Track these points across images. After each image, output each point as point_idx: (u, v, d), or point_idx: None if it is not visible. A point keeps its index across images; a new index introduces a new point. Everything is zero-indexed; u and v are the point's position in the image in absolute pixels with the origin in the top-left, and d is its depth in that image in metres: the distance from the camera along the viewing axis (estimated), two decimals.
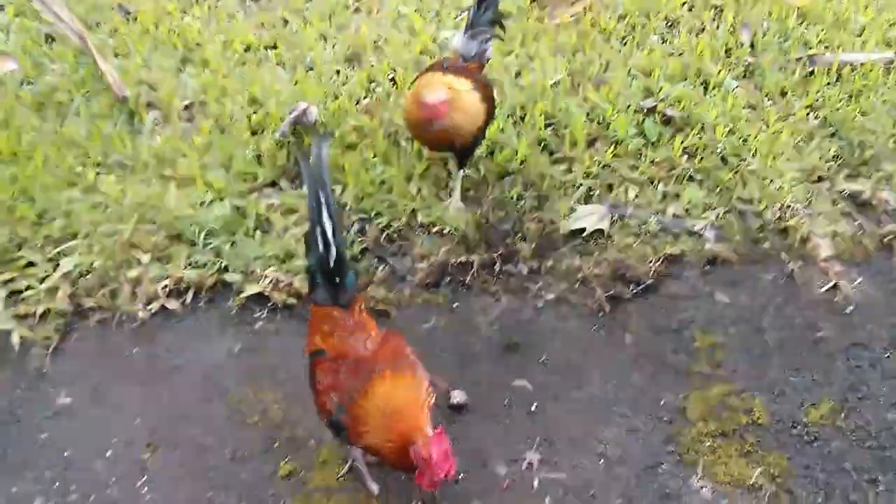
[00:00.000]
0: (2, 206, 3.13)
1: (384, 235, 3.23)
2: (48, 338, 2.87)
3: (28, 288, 2.95)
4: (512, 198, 3.34)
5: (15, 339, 2.84)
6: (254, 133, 3.53)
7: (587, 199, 3.39)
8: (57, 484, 2.52)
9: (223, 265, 3.05)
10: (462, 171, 3.28)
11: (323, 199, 2.29)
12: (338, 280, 2.36)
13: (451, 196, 3.31)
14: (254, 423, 2.67)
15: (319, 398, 2.29)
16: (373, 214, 3.27)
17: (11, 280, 2.98)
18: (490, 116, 3.19)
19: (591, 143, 3.56)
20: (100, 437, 2.64)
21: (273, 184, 3.37)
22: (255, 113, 3.59)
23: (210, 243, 3.08)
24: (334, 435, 2.38)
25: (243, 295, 2.98)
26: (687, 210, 3.36)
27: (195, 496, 2.50)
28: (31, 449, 2.60)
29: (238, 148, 3.40)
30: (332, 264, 2.34)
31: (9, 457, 2.58)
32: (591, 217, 3.30)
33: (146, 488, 2.51)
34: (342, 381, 2.24)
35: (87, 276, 3.00)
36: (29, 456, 2.59)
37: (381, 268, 3.15)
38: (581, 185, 3.40)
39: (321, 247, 2.32)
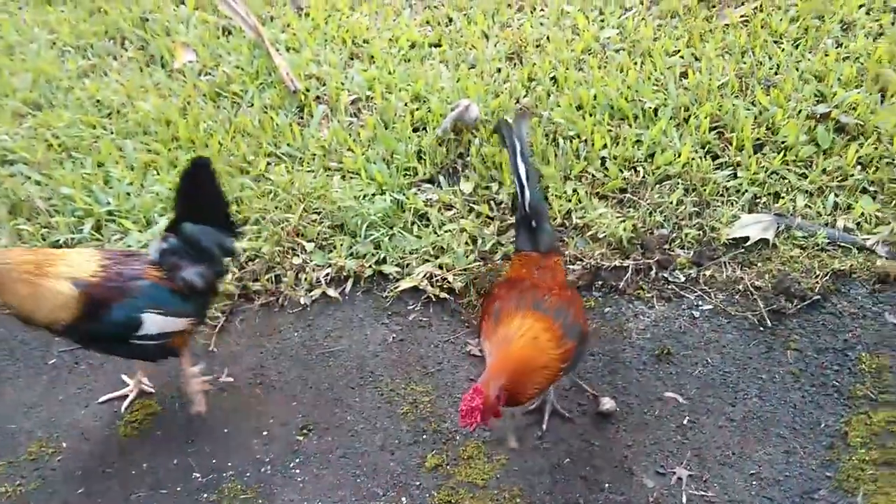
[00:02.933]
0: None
1: None
2: (215, 318, 3.04)
3: None
4: (671, 203, 3.24)
5: None
6: (415, 129, 3.60)
7: (752, 207, 3.23)
8: (215, 460, 2.66)
9: (381, 257, 3.12)
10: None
11: (519, 150, 2.63)
12: (534, 224, 2.58)
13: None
14: (403, 413, 2.73)
15: (485, 309, 2.45)
16: None
17: None
18: None
19: (758, 148, 3.40)
20: (258, 416, 2.77)
21: (431, 180, 3.43)
22: (417, 109, 3.66)
23: (371, 234, 3.17)
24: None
25: (399, 287, 3.05)
26: (858, 224, 3.14)
27: (344, 480, 2.58)
28: (194, 424, 2.76)
29: (400, 143, 3.47)
30: (527, 208, 2.58)
31: (173, 431, 2.75)
32: (755, 226, 3.15)
33: (298, 469, 2.62)
34: (507, 293, 2.39)
35: (255, 261, 3.15)
36: (191, 430, 2.75)
37: None
38: (746, 191, 3.25)
39: (518, 193, 2.60)
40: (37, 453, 2.69)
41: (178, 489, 2.57)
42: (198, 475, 2.61)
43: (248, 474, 2.61)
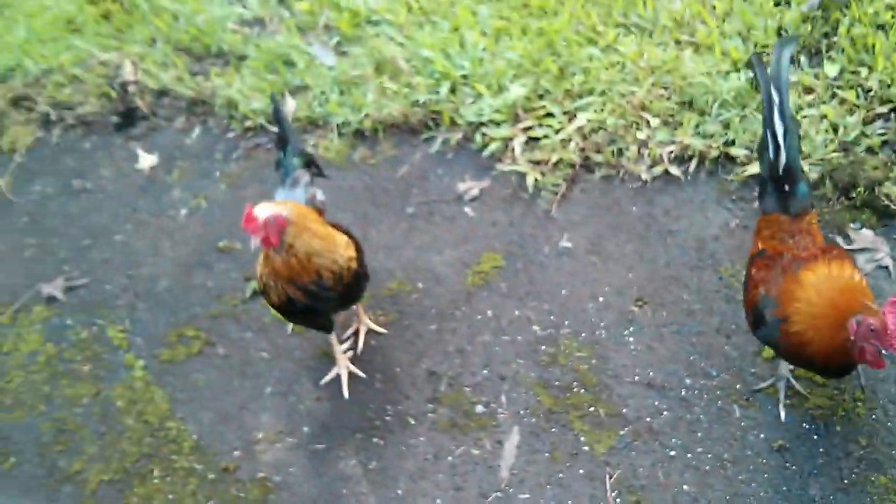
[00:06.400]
0: (530, 58, 3.41)
1: None
2: (557, 185, 3.14)
3: (545, 137, 3.23)
4: None
5: (529, 181, 3.17)
6: (777, 4, 3.34)
7: None
8: (552, 317, 2.83)
9: (730, 138, 3.02)
10: None
11: (777, 102, 2.30)
12: (787, 188, 2.29)
13: None
14: (742, 300, 2.69)
15: (749, 293, 2.28)
16: None
17: (530, 128, 3.28)
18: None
19: None
20: (594, 283, 2.88)
21: (791, 59, 3.18)
22: None
23: (720, 114, 3.06)
24: (760, 338, 2.32)
25: (746, 171, 2.94)
26: None
27: (677, 356, 2.63)
28: (535, 282, 2.93)
29: (759, 18, 3.25)
30: (780, 171, 2.29)
31: (515, 285, 2.94)
32: None
33: (632, 338, 2.71)
34: (773, 275, 2.19)
35: (598, 132, 3.19)
36: (532, 288, 2.92)
37: None
38: None
39: (771, 151, 2.29)
40: (396, 290, 3.02)
41: (519, 338, 2.78)
42: (536, 328, 2.80)
43: (582, 335, 2.75)
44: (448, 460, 2.56)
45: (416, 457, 2.58)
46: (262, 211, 2.24)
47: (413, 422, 2.66)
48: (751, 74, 3.05)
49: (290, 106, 3.62)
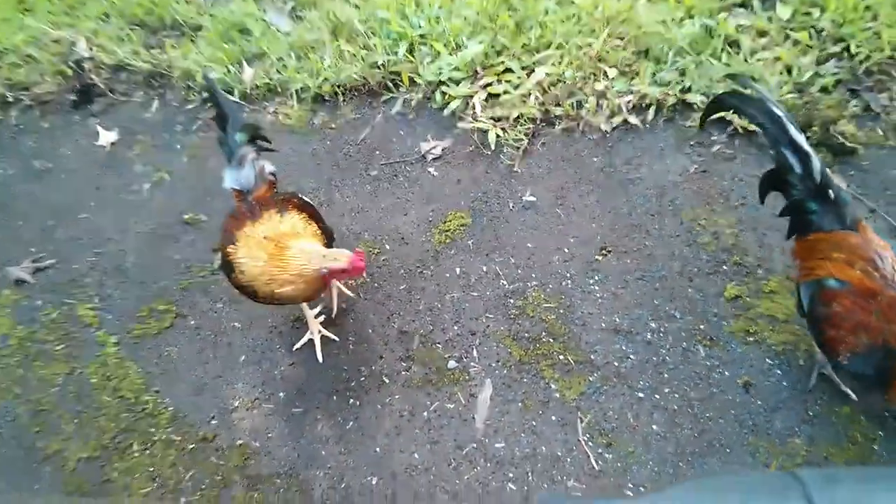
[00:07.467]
0: (486, 14, 3.40)
1: (863, 68, 2.95)
2: (519, 140, 3.16)
3: (505, 93, 3.24)
4: None
5: (491, 137, 3.18)
6: None
7: None
8: (520, 271, 2.86)
9: (687, 85, 3.05)
10: None
11: (781, 113, 2.12)
12: (832, 195, 2.11)
13: None
14: (704, 243, 2.74)
15: (838, 334, 2.05)
16: (851, 43, 2.99)
17: (490, 84, 3.29)
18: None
19: None
20: (559, 235, 2.91)
21: (744, 4, 3.22)
22: None
23: (676, 61, 3.08)
24: (853, 377, 2.29)
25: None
26: None
27: (642, 301, 2.68)
28: (500, 237, 2.96)
29: None
30: (819, 179, 2.10)
31: (482, 241, 2.97)
32: None
33: (598, 286, 2.75)
34: (876, 320, 1.97)
35: (557, 86, 3.20)
36: (498, 243, 2.95)
37: (853, 102, 2.91)
38: None
39: (798, 166, 2.12)
40: (364, 252, 3.03)
41: (488, 293, 2.81)
42: (504, 282, 2.83)
43: (549, 286, 2.79)
44: (423, 416, 2.60)
45: (392, 415, 2.62)
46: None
47: (387, 381, 2.69)
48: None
49: (248, 74, 3.59)
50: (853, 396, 2.33)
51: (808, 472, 0.56)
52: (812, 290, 2.12)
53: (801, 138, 2.11)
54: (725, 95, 2.30)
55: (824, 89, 2.93)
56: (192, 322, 3.01)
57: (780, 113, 2.13)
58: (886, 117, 2.88)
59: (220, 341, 2.93)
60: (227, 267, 2.40)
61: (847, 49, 3.00)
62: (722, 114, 2.94)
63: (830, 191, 2.11)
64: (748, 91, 2.23)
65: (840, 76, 2.96)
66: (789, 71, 2.97)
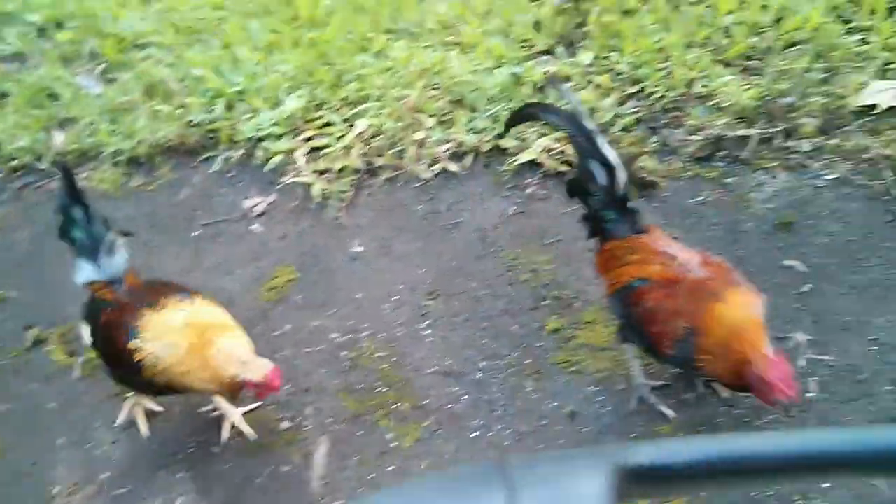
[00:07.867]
0: (304, 69, 3.42)
1: (659, 106, 3.17)
2: (344, 192, 3.17)
3: (327, 146, 3.26)
4: (798, 69, 3.12)
5: (315, 190, 3.18)
6: (532, 0, 3.54)
7: (883, 73, 3.08)
8: (351, 322, 2.85)
9: (500, 132, 3.16)
10: None
11: (590, 128, 2.20)
12: (629, 205, 2.24)
13: None
14: (524, 280, 2.83)
15: (660, 327, 2.15)
16: (647, 83, 3.21)
17: (312, 138, 3.30)
18: None
19: (891, 11, 3.20)
20: (388, 283, 2.92)
21: (549, 52, 3.40)
22: None
23: (489, 109, 3.20)
24: (677, 366, 2.37)
25: (517, 160, 3.10)
26: None
27: (470, 341, 2.72)
28: (330, 290, 2.94)
29: (517, 14, 3.43)
30: (621, 190, 2.20)
31: (311, 296, 2.94)
32: (885, 93, 3.00)
33: (428, 331, 2.78)
34: (684, 304, 2.10)
35: (378, 137, 3.25)
36: (328, 296, 2.93)
37: (652, 139, 3.12)
38: (877, 58, 3.09)
39: (603, 177, 2.20)
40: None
41: (320, 348, 2.78)
42: (336, 335, 2.81)
43: (381, 335, 2.79)
44: (257, 482, 2.51)
45: (224, 485, 2.51)
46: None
47: (217, 450, 2.59)
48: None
49: (58, 140, 3.43)
50: (671, 415, 2.45)
51: (514, 456, 0.61)
52: (622, 296, 2.25)
53: (609, 151, 2.19)
54: (534, 104, 2.39)
55: (625, 128, 3.12)
56: (3, 407, 2.80)
57: (590, 127, 2.21)
58: (683, 150, 3.08)
59: (37, 424, 2.74)
60: (129, 367, 2.26)
61: (644, 89, 3.21)
62: (534, 156, 3.07)
63: (629, 202, 2.25)
64: (565, 101, 2.31)
65: (639, 114, 3.16)
66: (593, 112, 3.14)
